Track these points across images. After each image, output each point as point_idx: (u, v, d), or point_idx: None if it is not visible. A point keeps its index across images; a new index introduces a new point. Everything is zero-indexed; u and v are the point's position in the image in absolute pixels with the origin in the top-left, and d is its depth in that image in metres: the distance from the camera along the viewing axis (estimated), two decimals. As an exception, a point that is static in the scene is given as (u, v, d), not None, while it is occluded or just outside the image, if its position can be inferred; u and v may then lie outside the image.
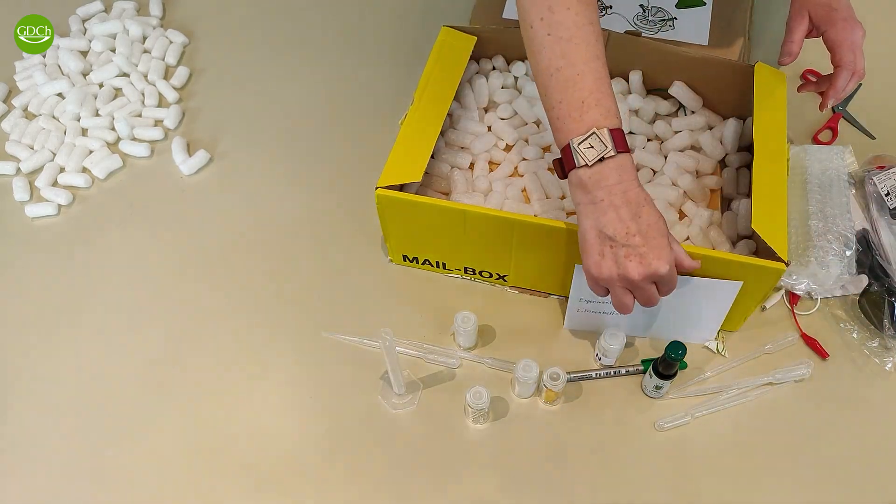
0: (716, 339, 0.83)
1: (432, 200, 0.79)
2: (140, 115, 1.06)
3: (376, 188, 0.77)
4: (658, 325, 0.82)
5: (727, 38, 0.99)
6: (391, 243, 0.87)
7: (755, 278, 0.73)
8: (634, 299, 0.70)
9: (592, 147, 0.65)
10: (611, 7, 1.06)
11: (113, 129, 1.04)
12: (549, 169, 0.91)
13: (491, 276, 0.87)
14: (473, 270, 0.87)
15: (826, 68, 1.06)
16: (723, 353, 0.83)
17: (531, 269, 0.84)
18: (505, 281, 0.87)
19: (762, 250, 0.74)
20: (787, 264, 0.71)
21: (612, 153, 0.65)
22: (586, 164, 0.65)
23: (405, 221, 0.82)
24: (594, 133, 0.65)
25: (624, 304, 0.70)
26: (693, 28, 1.01)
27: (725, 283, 0.74)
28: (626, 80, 0.97)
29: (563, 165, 0.68)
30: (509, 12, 1.03)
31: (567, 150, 0.67)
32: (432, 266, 0.89)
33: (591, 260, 0.68)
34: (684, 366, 0.81)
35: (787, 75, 0.86)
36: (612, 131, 0.65)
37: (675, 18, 1.04)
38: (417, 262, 0.89)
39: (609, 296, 0.71)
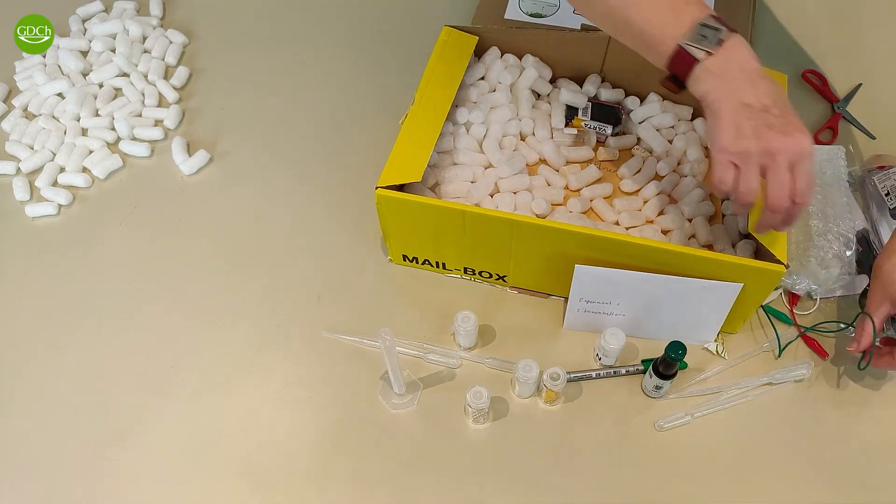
0: (716, 340, 0.83)
1: (432, 200, 0.79)
2: (140, 115, 1.05)
3: (376, 188, 0.77)
4: (658, 325, 0.82)
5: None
6: (391, 243, 0.87)
7: (755, 280, 0.73)
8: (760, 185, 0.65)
9: (705, 38, 0.65)
10: (611, 7, 1.06)
11: (113, 129, 1.04)
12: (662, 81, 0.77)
13: (491, 276, 0.87)
14: (473, 270, 0.87)
15: (826, 68, 1.07)
16: (722, 356, 0.83)
17: (531, 269, 0.84)
18: (505, 281, 0.87)
19: (762, 251, 0.74)
20: (786, 267, 0.71)
21: (727, 34, 0.65)
22: (709, 52, 0.64)
23: (405, 221, 0.82)
24: (701, 24, 0.65)
25: (752, 188, 0.65)
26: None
27: (725, 285, 0.74)
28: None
29: (678, 72, 0.67)
30: (511, 13, 1.03)
31: (680, 54, 0.65)
32: (432, 266, 0.89)
33: (727, 134, 0.64)
34: (684, 366, 0.81)
35: (787, 77, 0.86)
36: (714, 17, 0.65)
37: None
38: (417, 262, 0.89)
39: (732, 185, 0.66)
